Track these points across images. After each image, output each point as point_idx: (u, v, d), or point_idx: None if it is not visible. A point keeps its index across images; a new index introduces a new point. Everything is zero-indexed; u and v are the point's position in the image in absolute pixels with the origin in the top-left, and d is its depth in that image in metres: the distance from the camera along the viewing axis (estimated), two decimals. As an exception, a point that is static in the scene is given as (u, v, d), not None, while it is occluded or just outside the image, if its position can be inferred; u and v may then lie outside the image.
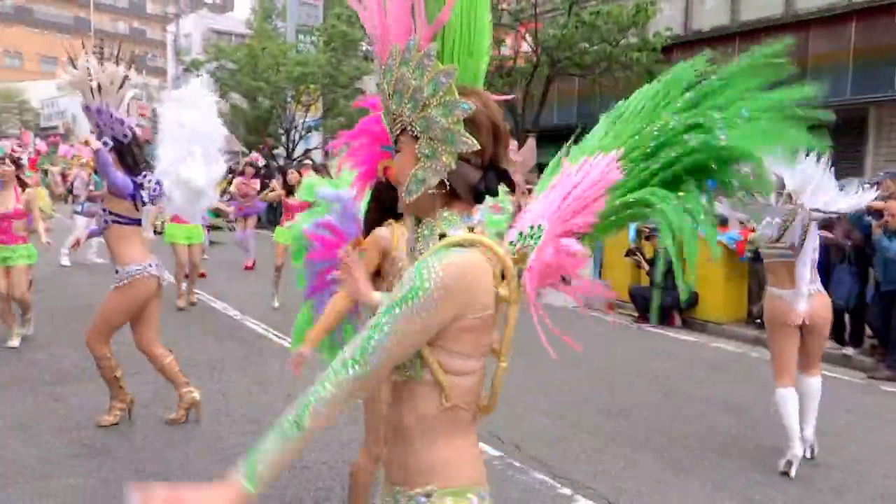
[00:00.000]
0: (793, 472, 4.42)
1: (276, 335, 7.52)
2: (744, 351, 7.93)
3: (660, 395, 6.04)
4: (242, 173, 12.71)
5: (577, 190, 1.75)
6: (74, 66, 4.53)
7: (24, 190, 6.72)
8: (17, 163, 6.86)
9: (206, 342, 7.19)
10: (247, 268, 12.04)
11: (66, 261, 11.56)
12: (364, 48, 22.08)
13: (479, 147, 1.43)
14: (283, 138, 23.80)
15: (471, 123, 1.43)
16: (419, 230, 1.50)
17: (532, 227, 1.89)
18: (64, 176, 15.41)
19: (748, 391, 6.15)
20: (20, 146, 18.75)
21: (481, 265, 1.43)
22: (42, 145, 23.36)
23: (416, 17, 1.42)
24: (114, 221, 4.64)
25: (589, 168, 1.75)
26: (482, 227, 1.53)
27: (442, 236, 1.45)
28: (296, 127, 23.98)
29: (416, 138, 1.44)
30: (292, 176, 9.28)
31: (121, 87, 4.61)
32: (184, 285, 8.80)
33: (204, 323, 8.06)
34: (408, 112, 1.43)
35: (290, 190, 9.02)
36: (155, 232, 13.08)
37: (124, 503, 3.61)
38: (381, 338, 1.35)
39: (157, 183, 4.76)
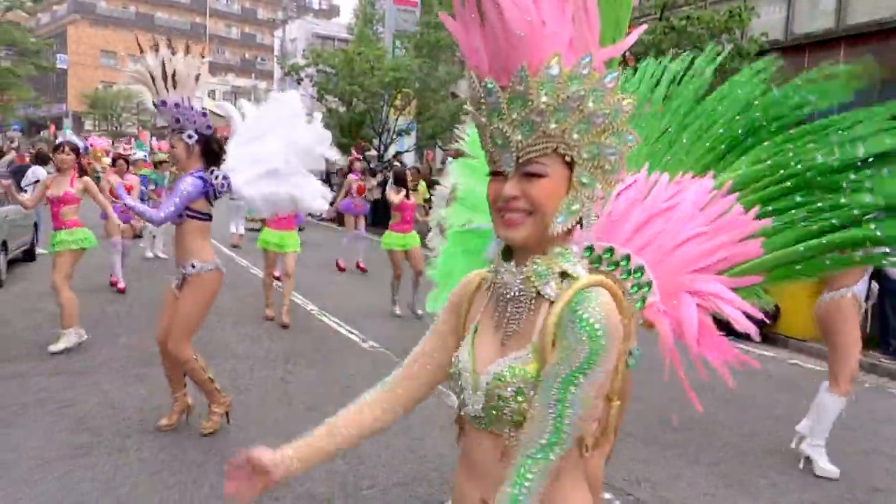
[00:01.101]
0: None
1: (348, 330, 7.81)
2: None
3: (727, 409, 5.91)
4: (350, 172, 12.45)
5: (687, 231, 2.31)
6: (146, 61, 4.39)
7: (80, 177, 6.69)
8: (76, 151, 6.84)
9: (281, 334, 7.55)
10: (361, 268, 11.77)
11: (149, 253, 12.14)
12: (459, 53, 22.32)
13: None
14: (376, 141, 24.38)
15: None
16: (530, 267, 1.35)
17: (623, 260, 2.28)
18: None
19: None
20: (128, 144, 20.03)
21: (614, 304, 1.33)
22: (159, 144, 24.70)
23: (581, 28, 1.28)
24: (189, 216, 4.53)
25: (686, 197, 2.37)
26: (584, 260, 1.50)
27: (563, 275, 1.35)
28: (388, 130, 24.50)
29: (571, 164, 1.31)
30: (411, 176, 9.19)
31: (196, 79, 4.52)
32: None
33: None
34: (576, 135, 1.29)
35: (406, 191, 8.88)
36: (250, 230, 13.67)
37: (186, 478, 3.89)
38: (575, 412, 1.27)
39: (225, 178, 4.64)
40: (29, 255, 11.04)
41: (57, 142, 7.58)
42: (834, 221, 2.30)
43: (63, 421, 4.78)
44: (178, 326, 4.50)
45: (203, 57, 4.64)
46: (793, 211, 2.39)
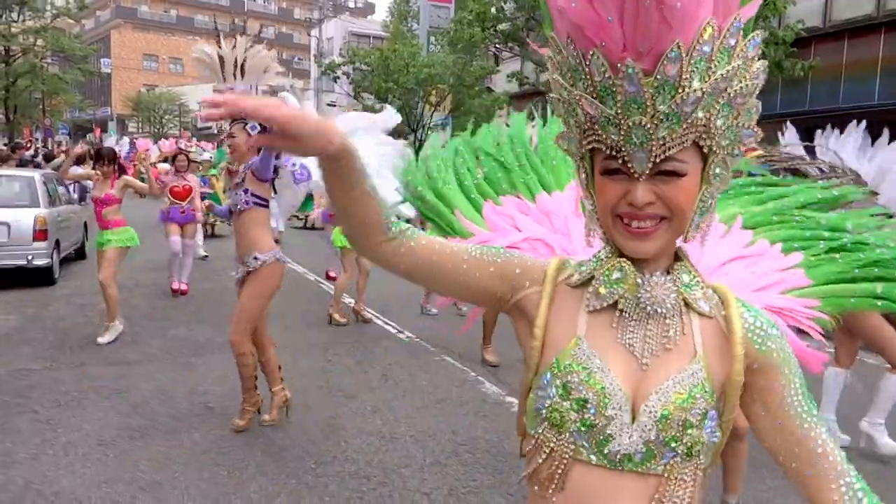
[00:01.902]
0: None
1: (384, 321, 8.04)
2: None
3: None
4: None
5: (723, 253, 2.18)
6: (220, 46, 4.45)
7: (119, 177, 6.94)
8: (114, 156, 7.13)
9: (321, 325, 7.82)
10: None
11: (201, 251, 12.07)
12: (493, 48, 22.40)
13: None
14: (411, 137, 24.64)
15: None
16: (677, 277, 1.16)
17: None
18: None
19: None
20: (189, 142, 20.54)
21: None
22: (205, 145, 25.16)
23: None
24: (255, 203, 4.51)
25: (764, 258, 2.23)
26: None
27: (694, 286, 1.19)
28: (423, 125, 24.76)
29: (705, 155, 1.09)
30: None
31: (265, 71, 4.55)
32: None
33: (324, 309, 8.73)
34: (720, 121, 1.06)
35: None
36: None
37: (233, 458, 4.14)
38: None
39: (303, 165, 4.66)
40: (80, 254, 11.52)
41: (98, 147, 8.02)
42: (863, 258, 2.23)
43: (119, 406, 5.09)
44: (239, 319, 4.52)
45: (271, 49, 4.72)
46: (820, 245, 2.29)
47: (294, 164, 4.64)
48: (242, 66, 4.39)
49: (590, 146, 1.11)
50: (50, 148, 26.50)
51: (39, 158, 15.22)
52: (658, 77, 1.02)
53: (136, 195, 7.42)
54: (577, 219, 2.09)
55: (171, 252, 9.14)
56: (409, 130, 24.88)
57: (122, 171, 7.32)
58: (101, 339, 6.68)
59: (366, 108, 26.53)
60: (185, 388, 5.53)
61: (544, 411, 1.15)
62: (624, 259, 1.15)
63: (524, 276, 1.24)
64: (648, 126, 1.04)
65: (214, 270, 10.93)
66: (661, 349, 1.15)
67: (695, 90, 1.02)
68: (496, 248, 1.27)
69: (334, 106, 35.69)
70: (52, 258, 9.41)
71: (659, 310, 1.14)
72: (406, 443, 4.62)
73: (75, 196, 12.29)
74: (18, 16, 32.08)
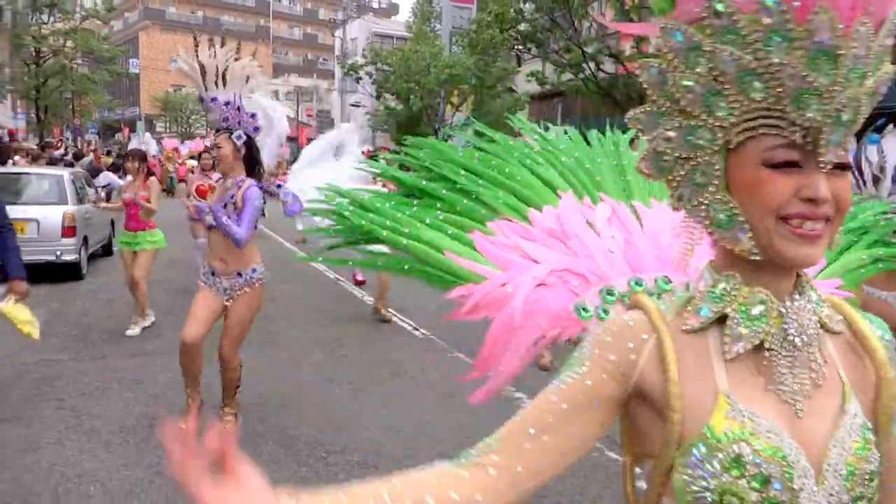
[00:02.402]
0: None
1: (401, 319, 8.19)
2: None
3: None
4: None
5: None
6: (198, 57, 4.31)
7: (148, 179, 7.23)
8: (143, 158, 7.47)
9: (336, 321, 8.00)
10: None
11: None
12: (515, 48, 22.48)
13: None
14: (433, 137, 24.83)
15: None
16: (809, 297, 1.00)
17: None
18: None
19: None
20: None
21: None
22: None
23: None
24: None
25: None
26: None
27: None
28: (445, 125, 24.91)
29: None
30: None
31: (247, 80, 4.44)
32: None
33: (342, 306, 8.92)
34: (864, 108, 0.91)
35: None
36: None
37: (246, 445, 4.31)
38: None
39: (295, 196, 4.60)
40: (106, 251, 11.83)
41: (129, 147, 8.32)
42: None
43: (140, 396, 5.30)
44: (238, 335, 4.54)
45: (254, 58, 4.63)
46: None
47: (287, 195, 4.56)
48: (224, 74, 4.27)
49: (748, 134, 0.92)
50: (79, 147, 27.05)
51: (70, 157, 15.60)
52: (878, 43, 0.87)
53: (163, 193, 7.72)
54: (591, 236, 1.82)
55: (200, 251, 9.08)
56: (432, 131, 25.06)
57: (151, 172, 7.61)
58: (129, 332, 7.02)
59: (388, 109, 26.76)
60: (203, 380, 5.71)
61: (710, 495, 0.92)
62: (759, 288, 0.97)
63: (622, 351, 1.00)
64: (861, 102, 0.89)
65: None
66: (812, 387, 0.98)
67: (845, 71, 0.86)
68: (570, 365, 1.04)
69: (358, 106, 36.02)
70: (79, 254, 9.72)
71: (805, 339, 0.98)
72: (413, 435, 4.77)
73: (103, 195, 12.62)
74: (48, 17, 32.77)
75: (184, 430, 0.85)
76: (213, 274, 4.48)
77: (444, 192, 2.03)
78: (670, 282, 1.63)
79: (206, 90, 4.32)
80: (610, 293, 1.65)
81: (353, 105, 38.47)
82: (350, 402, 5.37)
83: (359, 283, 9.91)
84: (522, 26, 19.17)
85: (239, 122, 4.36)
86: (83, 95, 37.54)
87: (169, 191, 15.18)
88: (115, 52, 38.90)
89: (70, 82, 34.62)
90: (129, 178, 7.52)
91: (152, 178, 7.36)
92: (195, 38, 4.42)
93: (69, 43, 33.07)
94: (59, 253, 9.30)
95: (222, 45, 4.37)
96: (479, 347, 6.14)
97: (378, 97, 27.53)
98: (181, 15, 70.80)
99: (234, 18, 71.34)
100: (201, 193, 9.51)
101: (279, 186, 4.71)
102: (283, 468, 4.15)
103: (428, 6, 34.46)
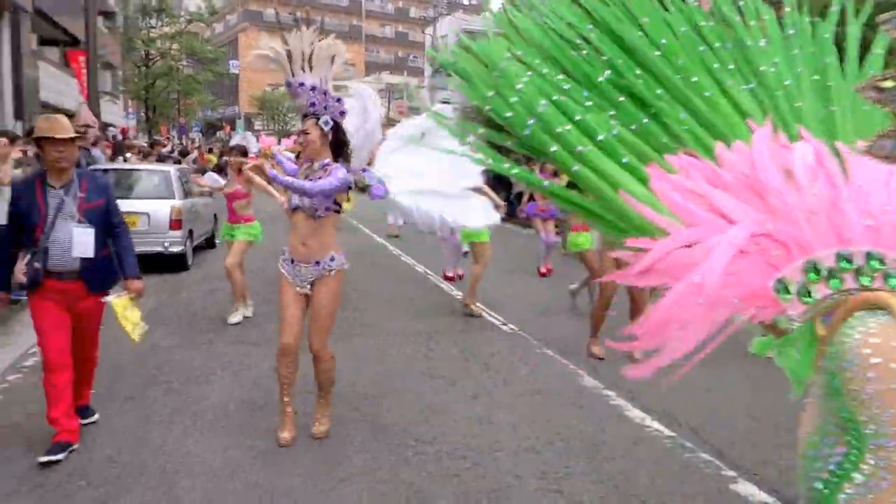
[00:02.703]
0: None
1: (489, 314, 8.23)
2: None
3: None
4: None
5: None
6: (285, 41, 4.31)
7: (241, 174, 7.53)
8: (243, 153, 7.92)
9: (427, 315, 8.13)
10: (542, 274, 10.96)
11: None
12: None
13: None
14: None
15: None
16: None
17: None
18: None
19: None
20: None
21: None
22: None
23: None
24: (335, 210, 4.37)
25: None
26: None
27: None
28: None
29: None
30: None
31: (332, 61, 4.35)
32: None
33: (432, 300, 9.03)
34: None
35: None
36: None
37: (337, 431, 4.40)
38: None
39: (381, 182, 4.65)
40: (210, 243, 12.40)
41: (231, 143, 8.76)
42: None
43: (242, 382, 5.56)
44: (323, 326, 4.43)
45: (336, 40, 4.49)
46: None
47: (371, 178, 4.60)
48: (310, 58, 4.24)
49: None
50: (184, 144, 28.42)
51: (176, 154, 16.46)
52: None
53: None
54: (792, 190, 1.44)
55: None
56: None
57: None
58: (231, 320, 7.38)
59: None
60: (300, 368, 5.92)
61: None
62: None
63: None
64: None
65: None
66: None
67: None
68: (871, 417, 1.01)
69: (448, 104, 36.21)
70: (185, 246, 10.26)
71: None
72: (503, 428, 4.80)
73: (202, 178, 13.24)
74: (157, 21, 34.55)
75: None
76: (292, 262, 4.41)
77: (620, 97, 1.61)
78: (884, 261, 1.30)
79: (292, 75, 4.29)
80: (816, 270, 1.32)
81: (443, 102, 38.70)
82: (440, 394, 5.46)
83: (449, 279, 9.98)
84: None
85: (325, 107, 4.28)
86: (188, 95, 39.38)
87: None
88: (218, 53, 40.65)
89: (176, 83, 36.40)
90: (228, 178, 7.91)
91: (245, 169, 7.60)
92: (281, 27, 4.42)
93: (175, 45, 34.75)
94: (166, 245, 9.84)
95: (309, 25, 4.37)
96: (565, 345, 6.11)
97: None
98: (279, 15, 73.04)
99: (328, 18, 73.13)
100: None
101: (364, 170, 4.72)
102: (374, 456, 4.27)
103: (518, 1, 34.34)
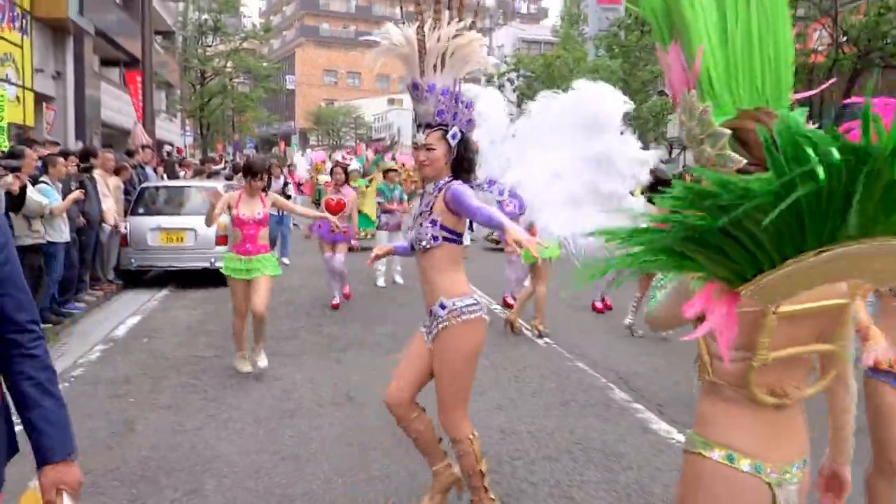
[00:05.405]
0: None
1: (526, 327, 8.24)
2: None
3: None
4: None
5: None
6: (422, 34, 3.31)
7: (266, 193, 6.07)
8: (271, 172, 7.21)
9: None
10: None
11: (381, 282, 10.81)
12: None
13: None
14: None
15: None
16: None
17: None
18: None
19: None
20: (349, 154, 21.70)
21: None
22: (370, 153, 26.06)
23: None
24: (445, 239, 3.33)
25: None
26: None
27: None
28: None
29: None
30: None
31: (468, 61, 3.45)
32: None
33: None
34: None
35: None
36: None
37: (366, 439, 4.54)
38: None
39: (514, 195, 3.92)
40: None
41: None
42: None
43: (273, 391, 5.75)
44: (448, 397, 3.42)
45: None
46: None
47: (501, 194, 3.85)
48: (442, 56, 3.33)
49: None
50: (238, 161, 29.18)
51: (227, 171, 16.91)
52: None
53: (313, 205, 8.17)
54: None
55: (327, 268, 9.16)
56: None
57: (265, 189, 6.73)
58: (260, 364, 6.13)
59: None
60: (331, 379, 6.11)
61: None
62: None
63: None
64: None
65: (369, 272, 11.67)
66: None
67: None
68: None
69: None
70: (231, 261, 10.54)
71: None
72: (523, 438, 4.86)
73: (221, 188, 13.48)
74: (212, 40, 35.63)
75: None
76: (429, 314, 3.44)
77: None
78: None
79: (422, 75, 3.35)
80: None
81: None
82: (472, 406, 5.50)
83: (508, 306, 9.12)
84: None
85: (454, 116, 3.36)
86: (243, 112, 40.41)
87: (317, 202, 15.99)
88: (271, 69, 41.61)
89: (231, 100, 37.40)
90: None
91: (272, 194, 6.23)
92: (419, 14, 3.31)
93: (229, 63, 35.72)
94: (212, 260, 10.14)
95: (451, 20, 3.36)
96: (598, 359, 6.10)
97: (519, 105, 27.69)
98: (334, 31, 74.43)
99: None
100: (330, 209, 9.10)
101: (490, 184, 4.02)
102: (395, 461, 4.38)
103: (576, 9, 33.98)
